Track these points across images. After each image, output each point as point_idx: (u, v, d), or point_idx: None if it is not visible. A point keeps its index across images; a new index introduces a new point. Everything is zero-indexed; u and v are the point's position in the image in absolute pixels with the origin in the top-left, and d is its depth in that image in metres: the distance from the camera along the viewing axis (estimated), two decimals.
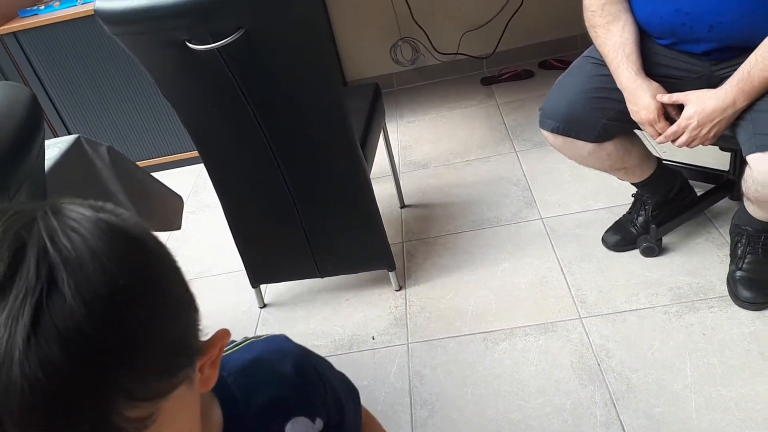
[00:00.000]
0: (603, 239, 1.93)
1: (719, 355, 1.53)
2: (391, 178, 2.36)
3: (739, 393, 1.43)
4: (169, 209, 1.45)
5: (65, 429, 0.34)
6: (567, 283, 1.85)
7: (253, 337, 0.66)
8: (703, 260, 1.80)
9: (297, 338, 0.69)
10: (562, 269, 1.90)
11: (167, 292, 0.40)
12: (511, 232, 2.11)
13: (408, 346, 1.78)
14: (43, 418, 0.33)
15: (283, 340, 0.65)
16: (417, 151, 2.74)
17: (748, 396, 1.42)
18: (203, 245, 2.45)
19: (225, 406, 0.56)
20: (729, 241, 1.76)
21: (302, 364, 0.64)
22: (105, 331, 0.34)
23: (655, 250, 1.83)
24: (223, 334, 0.47)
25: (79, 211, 0.38)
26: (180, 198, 1.53)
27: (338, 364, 0.75)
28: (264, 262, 1.95)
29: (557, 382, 1.55)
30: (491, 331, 1.75)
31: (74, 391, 0.33)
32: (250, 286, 2.02)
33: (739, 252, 1.66)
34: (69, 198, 0.40)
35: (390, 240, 1.92)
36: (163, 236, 2.48)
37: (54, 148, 1.29)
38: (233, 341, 0.63)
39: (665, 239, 1.86)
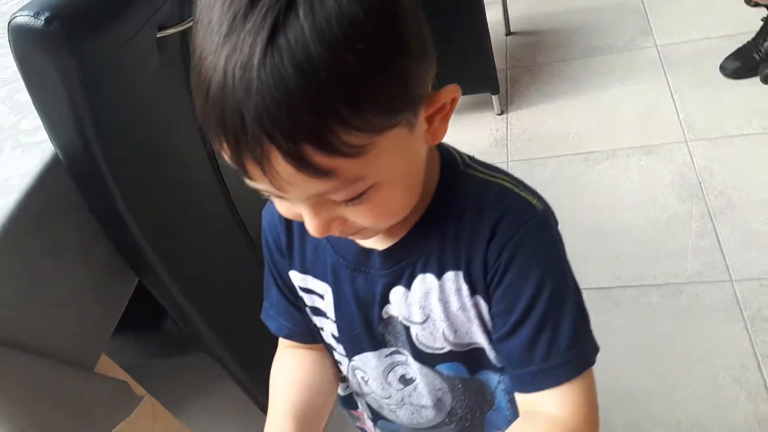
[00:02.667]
0: (721, 66, 1.87)
1: None
2: (499, 3, 2.31)
3: None
4: None
5: (290, 134, 0.37)
6: (676, 108, 1.83)
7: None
8: None
9: None
10: (672, 96, 1.88)
11: (396, 35, 0.40)
12: (623, 59, 2.07)
13: (507, 164, 1.86)
14: (272, 120, 0.37)
15: (542, 215, 0.52)
16: None
17: None
18: None
19: (441, 192, 0.53)
20: None
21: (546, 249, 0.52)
22: (329, 56, 0.36)
23: None
24: (454, 89, 0.46)
25: None
26: None
27: None
28: None
29: (654, 198, 1.61)
30: (592, 152, 1.79)
31: (296, 104, 0.37)
32: None
33: None
34: None
35: None
36: None
37: None
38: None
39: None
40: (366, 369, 0.62)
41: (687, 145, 1.72)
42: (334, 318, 0.60)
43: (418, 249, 0.53)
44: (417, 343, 0.57)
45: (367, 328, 0.58)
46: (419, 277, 0.54)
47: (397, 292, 0.55)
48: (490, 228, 0.51)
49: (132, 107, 0.84)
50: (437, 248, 0.53)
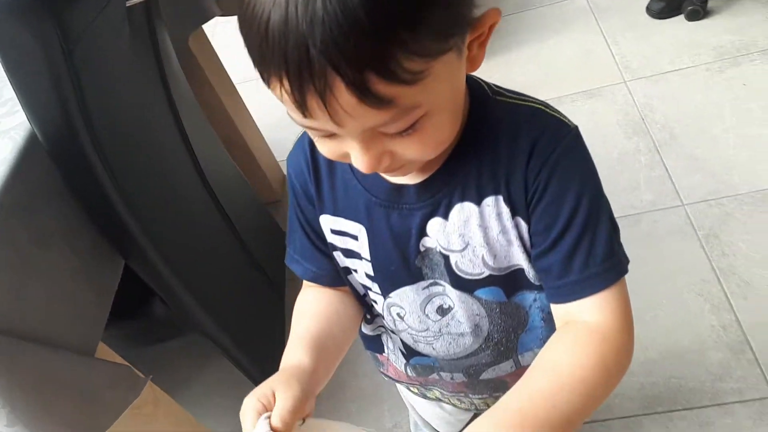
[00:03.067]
0: (647, 7, 1.96)
1: (758, 101, 1.63)
2: None
3: None
4: None
5: (355, 63, 0.39)
6: (611, 52, 1.92)
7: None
8: (747, 19, 1.84)
9: None
10: (606, 40, 1.96)
11: None
12: (555, 10, 2.14)
13: None
14: (338, 50, 0.38)
15: (576, 132, 0.54)
16: None
17: None
18: None
19: (473, 121, 0.54)
20: None
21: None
22: None
23: (699, 12, 1.86)
24: (494, 14, 0.47)
25: None
26: None
27: None
28: None
29: (604, 138, 1.69)
30: None
31: (361, 32, 0.38)
32: None
33: None
34: None
35: None
36: None
37: None
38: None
39: (711, 2, 1.89)
40: (403, 304, 0.63)
41: (626, 86, 1.80)
42: (369, 257, 0.61)
43: (455, 179, 0.54)
44: (457, 271, 0.58)
45: (404, 262, 0.59)
46: (457, 207, 0.55)
47: (434, 224, 0.56)
48: (528, 148, 0.52)
49: (111, 83, 0.82)
50: (474, 175, 0.54)
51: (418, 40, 0.40)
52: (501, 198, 0.54)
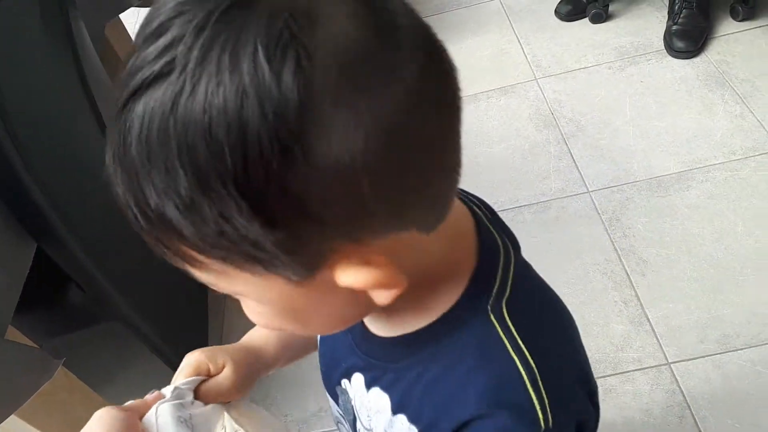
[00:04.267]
0: (556, 11, 2.08)
1: (654, 96, 1.77)
2: None
3: (669, 123, 1.70)
4: None
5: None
6: (524, 51, 2.02)
7: None
8: (644, 22, 1.99)
9: None
10: (519, 41, 2.07)
11: None
12: (471, 13, 2.23)
13: None
14: None
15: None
16: None
17: (676, 124, 1.69)
18: None
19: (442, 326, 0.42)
20: (667, 3, 1.94)
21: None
22: None
23: (602, 15, 2.00)
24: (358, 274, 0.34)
25: None
26: None
27: None
28: None
29: (517, 131, 1.78)
30: None
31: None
32: None
33: (676, 8, 1.85)
34: None
35: None
36: None
37: None
38: None
39: (612, 6, 2.03)
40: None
41: (537, 83, 1.91)
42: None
43: (395, 365, 0.44)
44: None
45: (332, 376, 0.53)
46: (375, 390, 0.46)
47: (357, 379, 0.49)
48: (466, 414, 0.39)
49: (22, 64, 0.82)
50: (409, 381, 0.43)
51: (183, 241, 0.32)
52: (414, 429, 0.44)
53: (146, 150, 0.29)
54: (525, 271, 0.45)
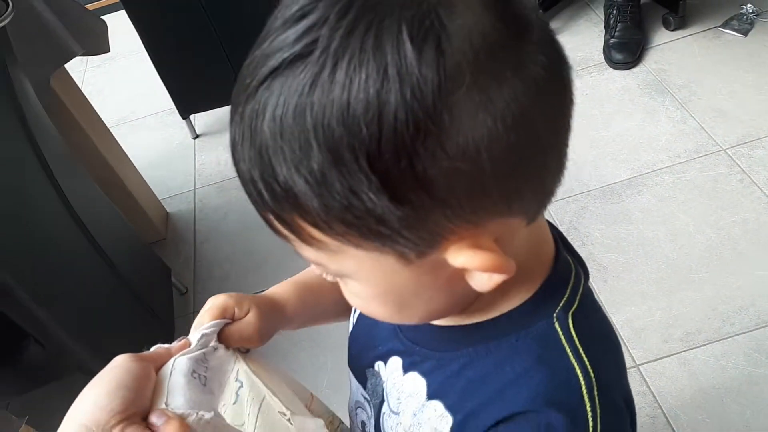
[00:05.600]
0: None
1: (599, 107, 1.83)
2: None
3: (615, 132, 1.75)
4: (97, 31, 1.50)
5: (259, 203, 0.35)
6: None
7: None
8: (583, 37, 2.07)
9: None
10: None
11: None
12: None
13: None
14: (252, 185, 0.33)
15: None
16: None
17: (622, 133, 1.75)
18: (124, 92, 2.47)
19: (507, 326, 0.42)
20: (603, 18, 2.02)
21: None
22: None
23: None
24: (474, 257, 0.35)
25: None
26: (104, 21, 1.57)
27: None
28: (190, 90, 2.04)
29: None
30: None
31: (260, 179, 0.33)
32: (177, 122, 2.12)
33: (612, 22, 1.93)
34: None
35: None
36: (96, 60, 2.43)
37: None
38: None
39: (553, 23, 2.10)
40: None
41: None
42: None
43: (446, 355, 0.45)
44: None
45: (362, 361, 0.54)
46: (412, 374, 0.47)
47: (394, 362, 0.50)
48: (509, 408, 0.40)
49: None
50: (454, 370, 0.44)
51: (305, 216, 0.33)
52: (451, 420, 0.43)
53: (280, 126, 0.30)
54: (591, 295, 0.46)
